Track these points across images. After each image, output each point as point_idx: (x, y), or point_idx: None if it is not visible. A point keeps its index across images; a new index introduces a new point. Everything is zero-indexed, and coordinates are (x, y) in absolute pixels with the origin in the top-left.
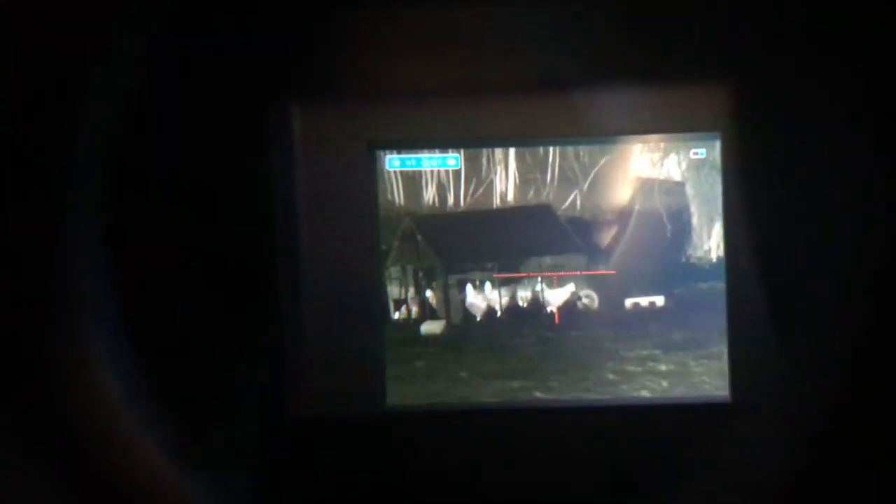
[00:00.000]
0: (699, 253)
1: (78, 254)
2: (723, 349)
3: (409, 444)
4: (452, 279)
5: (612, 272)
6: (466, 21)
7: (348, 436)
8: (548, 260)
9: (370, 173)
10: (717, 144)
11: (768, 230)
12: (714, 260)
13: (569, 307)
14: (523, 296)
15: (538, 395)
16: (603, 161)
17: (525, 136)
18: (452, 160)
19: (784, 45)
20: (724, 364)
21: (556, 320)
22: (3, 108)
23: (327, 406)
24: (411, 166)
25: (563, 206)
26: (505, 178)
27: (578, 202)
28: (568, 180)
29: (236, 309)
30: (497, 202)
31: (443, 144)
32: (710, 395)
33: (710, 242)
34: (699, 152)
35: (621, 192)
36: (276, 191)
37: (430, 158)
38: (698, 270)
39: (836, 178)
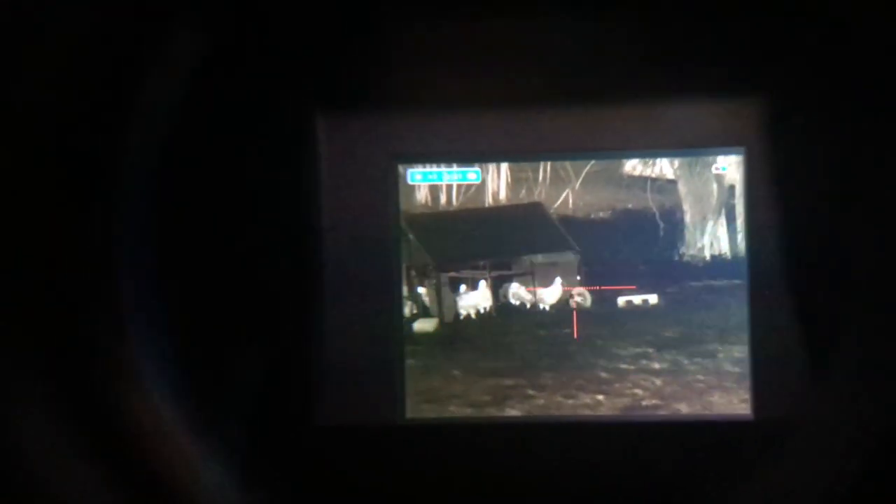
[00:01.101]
0: (692, 251)
1: (125, 262)
2: (717, 346)
3: (428, 455)
4: (445, 277)
5: (604, 270)
6: (492, 35)
7: (367, 446)
8: (539, 258)
9: (394, 186)
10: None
11: (792, 244)
12: (707, 258)
13: (561, 305)
14: (515, 294)
15: (531, 392)
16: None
17: (548, 151)
18: (473, 174)
19: (807, 60)
20: (717, 362)
21: (577, 326)
22: (62, 119)
23: (347, 416)
24: (433, 180)
25: (555, 205)
26: (497, 177)
27: (570, 200)
28: (560, 179)
29: (258, 318)
30: (490, 201)
31: (467, 159)
32: (730, 412)
33: (703, 241)
34: (721, 167)
35: (613, 190)
36: (302, 202)
37: (450, 172)
38: (692, 268)
39: (860, 191)
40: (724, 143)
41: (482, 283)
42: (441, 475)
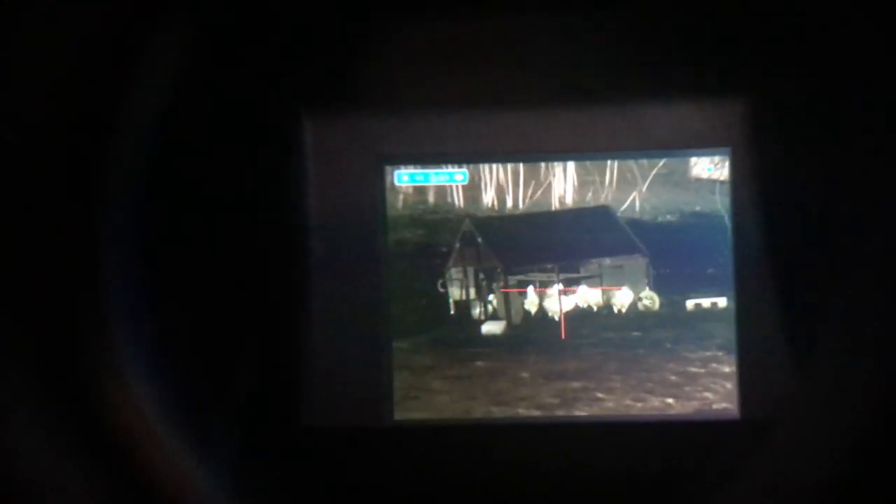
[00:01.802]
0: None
1: (112, 262)
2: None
3: (416, 457)
4: (513, 280)
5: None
6: (479, 35)
7: (355, 448)
8: (607, 261)
9: (380, 187)
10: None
11: (779, 243)
12: None
13: (630, 308)
14: (582, 297)
15: (599, 395)
16: (662, 162)
17: (535, 152)
18: (460, 175)
19: (794, 60)
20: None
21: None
22: (51, 121)
23: (335, 417)
24: (419, 181)
25: (623, 208)
26: (564, 179)
27: (637, 204)
28: (626, 182)
29: (246, 319)
30: (556, 204)
31: (454, 159)
32: (717, 411)
33: None
34: (709, 168)
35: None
36: (288, 203)
37: (437, 174)
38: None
39: (847, 192)
40: (710, 144)
41: (550, 287)
42: (429, 477)
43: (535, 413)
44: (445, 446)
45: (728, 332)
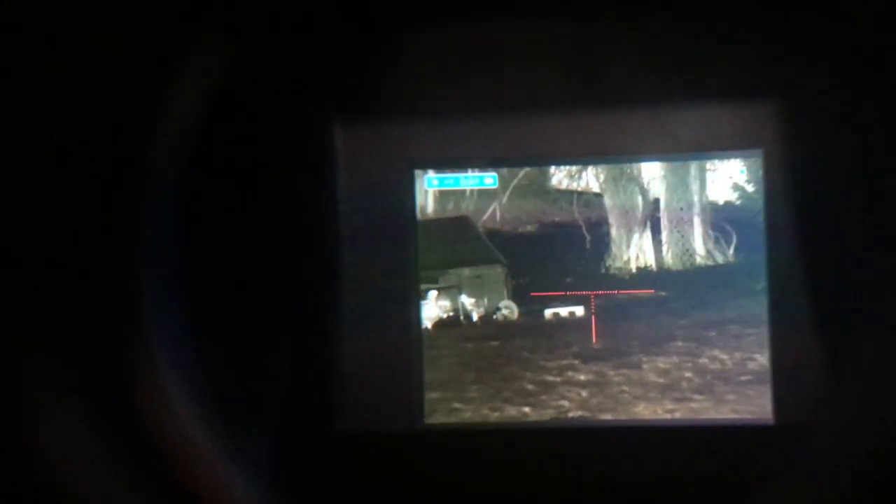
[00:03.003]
0: (618, 263)
1: (149, 270)
2: (642, 358)
3: (447, 460)
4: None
5: (531, 282)
6: (507, 40)
7: (385, 451)
8: (467, 271)
9: (410, 192)
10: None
11: (812, 246)
12: (633, 270)
13: (488, 318)
14: (444, 305)
15: (456, 405)
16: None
17: (564, 155)
18: (490, 179)
19: (826, 61)
20: (643, 373)
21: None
22: (87, 128)
23: (365, 422)
24: (449, 185)
25: (483, 218)
26: (424, 191)
27: (497, 214)
28: (487, 192)
29: (279, 325)
30: (417, 215)
31: (484, 164)
32: (752, 417)
33: (629, 253)
34: (741, 170)
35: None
36: (320, 209)
37: (466, 178)
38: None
39: (880, 193)
40: (742, 146)
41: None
42: (460, 480)
43: (568, 417)
44: (476, 450)
45: (584, 341)
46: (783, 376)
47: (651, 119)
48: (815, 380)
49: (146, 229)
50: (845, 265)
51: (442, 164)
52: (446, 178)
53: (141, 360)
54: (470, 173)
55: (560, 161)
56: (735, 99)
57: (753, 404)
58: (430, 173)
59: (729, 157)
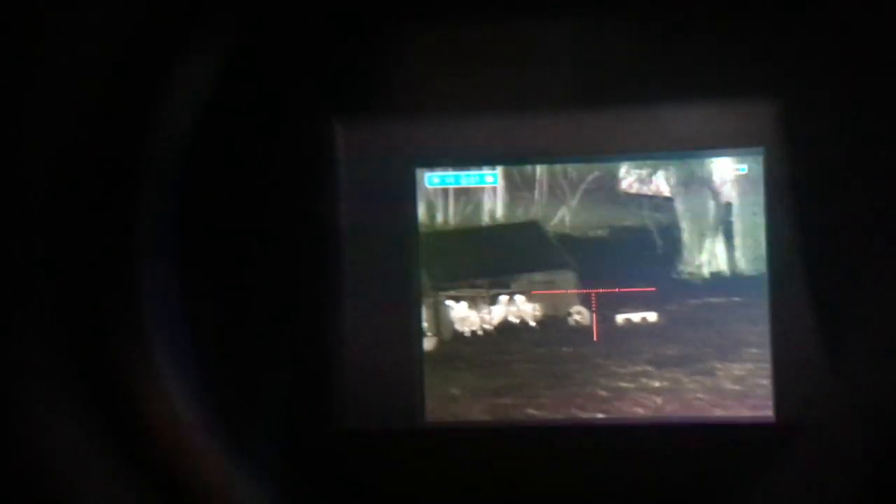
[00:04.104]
0: (690, 269)
1: (148, 269)
2: (715, 364)
3: (448, 459)
4: (442, 296)
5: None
6: (507, 39)
7: (386, 450)
8: (537, 276)
9: (412, 191)
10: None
11: (813, 245)
12: (706, 275)
13: (559, 323)
14: (513, 312)
15: (531, 411)
16: (591, 177)
17: (567, 153)
18: (491, 177)
19: (828, 59)
20: (716, 380)
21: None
22: (85, 124)
23: (367, 420)
24: (450, 184)
25: (552, 223)
26: (493, 195)
27: (567, 219)
28: (556, 197)
29: (279, 323)
30: (486, 220)
31: (486, 162)
32: (752, 415)
33: (701, 258)
34: (741, 168)
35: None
36: (321, 208)
37: (468, 176)
38: (691, 286)
39: (882, 192)
40: (743, 144)
41: (479, 302)
42: (461, 479)
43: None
44: (478, 448)
45: (659, 347)
46: (784, 374)
47: (654, 117)
48: (816, 377)
49: (145, 230)
50: (847, 263)
51: (443, 163)
52: (447, 176)
53: (141, 361)
54: (472, 171)
55: (561, 160)
56: (738, 97)
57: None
58: (432, 172)
59: (730, 156)
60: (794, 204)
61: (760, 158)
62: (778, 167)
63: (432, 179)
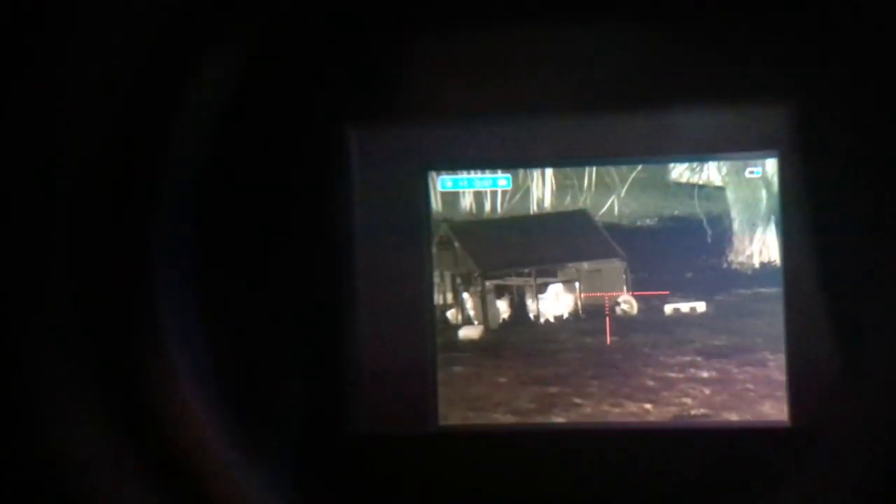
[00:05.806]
0: (740, 258)
1: (162, 270)
2: (767, 356)
3: (461, 463)
4: (490, 285)
5: (650, 277)
6: (520, 44)
7: (400, 453)
8: (585, 266)
9: (425, 194)
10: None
11: (828, 248)
12: (757, 265)
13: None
14: (560, 301)
15: (577, 400)
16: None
17: (579, 157)
18: (504, 180)
19: (842, 63)
20: (767, 370)
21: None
22: (102, 133)
23: (380, 424)
24: (463, 187)
25: (601, 212)
26: (542, 184)
27: (616, 208)
28: (605, 186)
29: (293, 328)
30: (534, 208)
31: (498, 165)
32: (767, 419)
33: (752, 248)
34: (755, 171)
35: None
36: (335, 212)
37: (481, 179)
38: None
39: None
40: (758, 147)
41: (526, 291)
42: (474, 482)
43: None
44: (490, 452)
45: (708, 337)
46: (798, 378)
47: (668, 121)
48: (831, 382)
49: (162, 233)
50: (861, 267)
51: (456, 166)
52: (460, 179)
53: (156, 363)
54: (485, 174)
55: (573, 163)
56: (752, 101)
57: None
58: (444, 175)
59: (744, 159)
60: (809, 207)
61: (775, 162)
62: (792, 171)
63: (445, 183)
